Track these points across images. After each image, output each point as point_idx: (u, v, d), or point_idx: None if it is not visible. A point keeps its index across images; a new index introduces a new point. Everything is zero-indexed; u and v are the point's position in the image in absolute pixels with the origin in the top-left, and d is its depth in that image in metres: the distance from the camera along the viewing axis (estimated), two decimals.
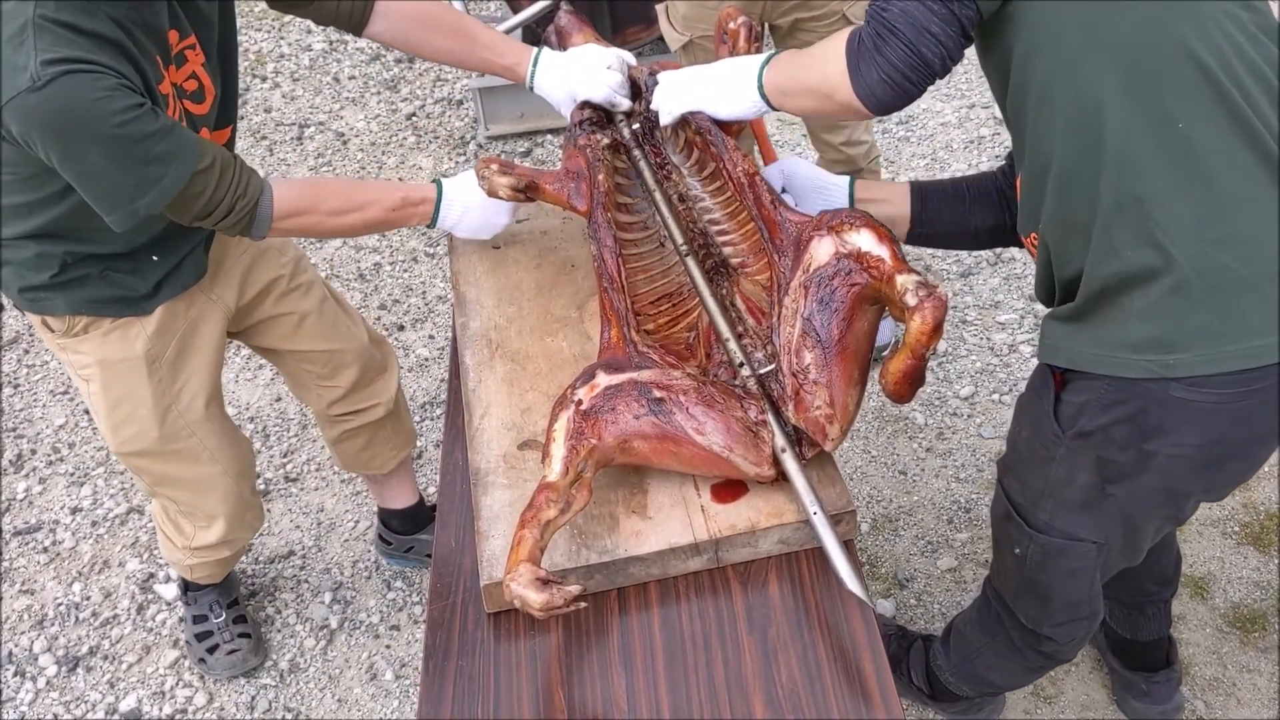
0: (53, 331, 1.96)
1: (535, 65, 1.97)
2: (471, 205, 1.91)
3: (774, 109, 1.69)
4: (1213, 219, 1.37)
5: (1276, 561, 2.51)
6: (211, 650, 2.48)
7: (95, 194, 1.63)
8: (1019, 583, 1.82)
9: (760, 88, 1.68)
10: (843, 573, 1.38)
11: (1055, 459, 1.61)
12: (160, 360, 2.01)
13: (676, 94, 1.80)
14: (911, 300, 1.35)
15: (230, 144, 1.95)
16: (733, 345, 1.56)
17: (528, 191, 1.84)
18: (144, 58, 1.62)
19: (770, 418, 1.48)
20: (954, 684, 2.14)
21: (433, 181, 1.92)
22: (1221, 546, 2.56)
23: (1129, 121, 1.37)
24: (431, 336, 3.28)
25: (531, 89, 2.00)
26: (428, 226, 1.93)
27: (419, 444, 2.92)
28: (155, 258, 1.90)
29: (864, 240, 1.44)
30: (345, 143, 4.10)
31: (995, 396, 2.95)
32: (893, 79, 1.44)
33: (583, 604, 1.39)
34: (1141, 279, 1.40)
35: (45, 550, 2.80)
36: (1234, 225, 1.37)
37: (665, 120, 1.82)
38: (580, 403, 1.49)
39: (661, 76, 1.84)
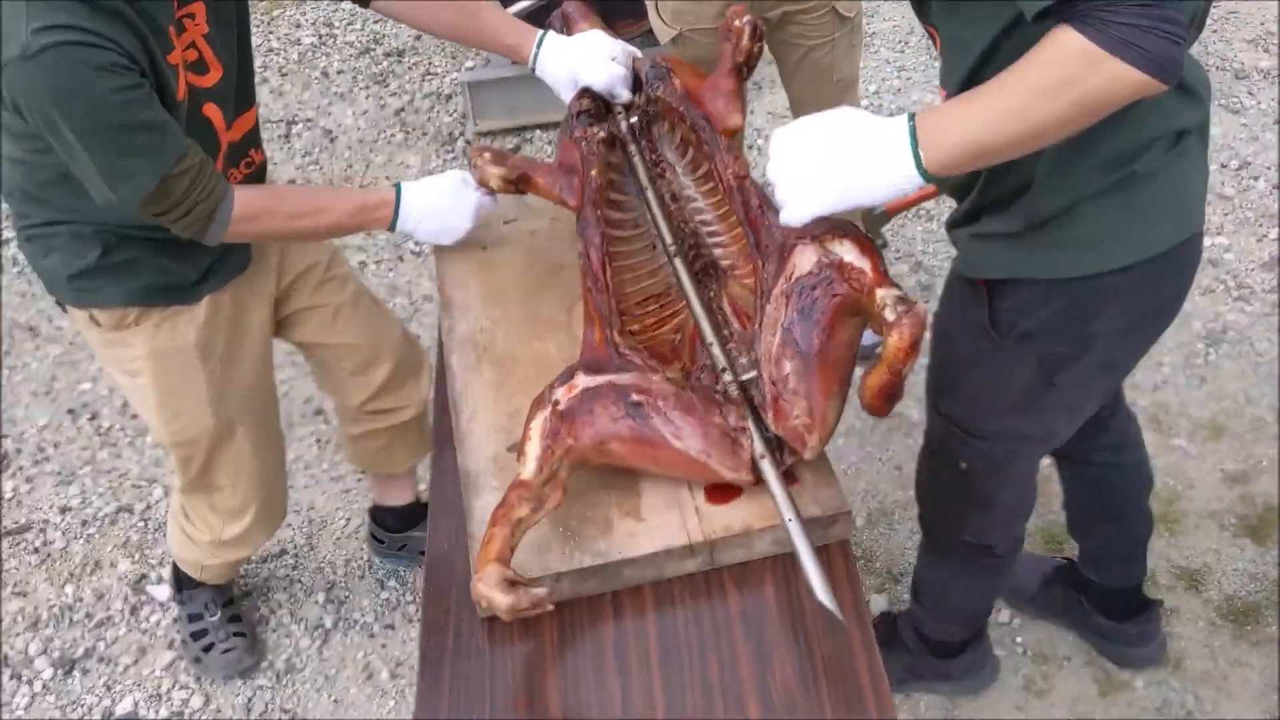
0: (100, 326, 1.96)
1: (539, 47, 1.96)
2: (431, 210, 1.91)
3: (934, 181, 1.33)
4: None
5: (1274, 554, 2.51)
6: (207, 650, 2.48)
7: (77, 172, 1.63)
8: (962, 500, 1.93)
9: (918, 160, 1.30)
10: (814, 583, 1.36)
11: (996, 365, 1.69)
12: (212, 349, 2.02)
13: (802, 189, 1.36)
14: (890, 315, 1.35)
15: (256, 129, 1.94)
16: (716, 350, 1.55)
17: (519, 184, 1.83)
18: (149, 26, 1.59)
19: (750, 424, 1.47)
20: (941, 631, 2.22)
21: (393, 186, 1.92)
22: (1218, 539, 2.56)
23: None
24: (418, 335, 3.26)
25: (533, 70, 1.99)
26: (388, 230, 1.92)
27: None
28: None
29: (846, 251, 1.43)
30: (333, 140, 4.08)
31: None
32: (1181, 35, 1.19)
33: (549, 607, 1.39)
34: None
35: (36, 551, 2.79)
36: None
37: (795, 223, 1.38)
38: (558, 403, 1.48)
39: (774, 158, 1.37)
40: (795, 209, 1.36)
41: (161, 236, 1.83)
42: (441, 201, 1.91)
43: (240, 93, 1.87)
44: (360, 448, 2.46)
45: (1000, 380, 1.71)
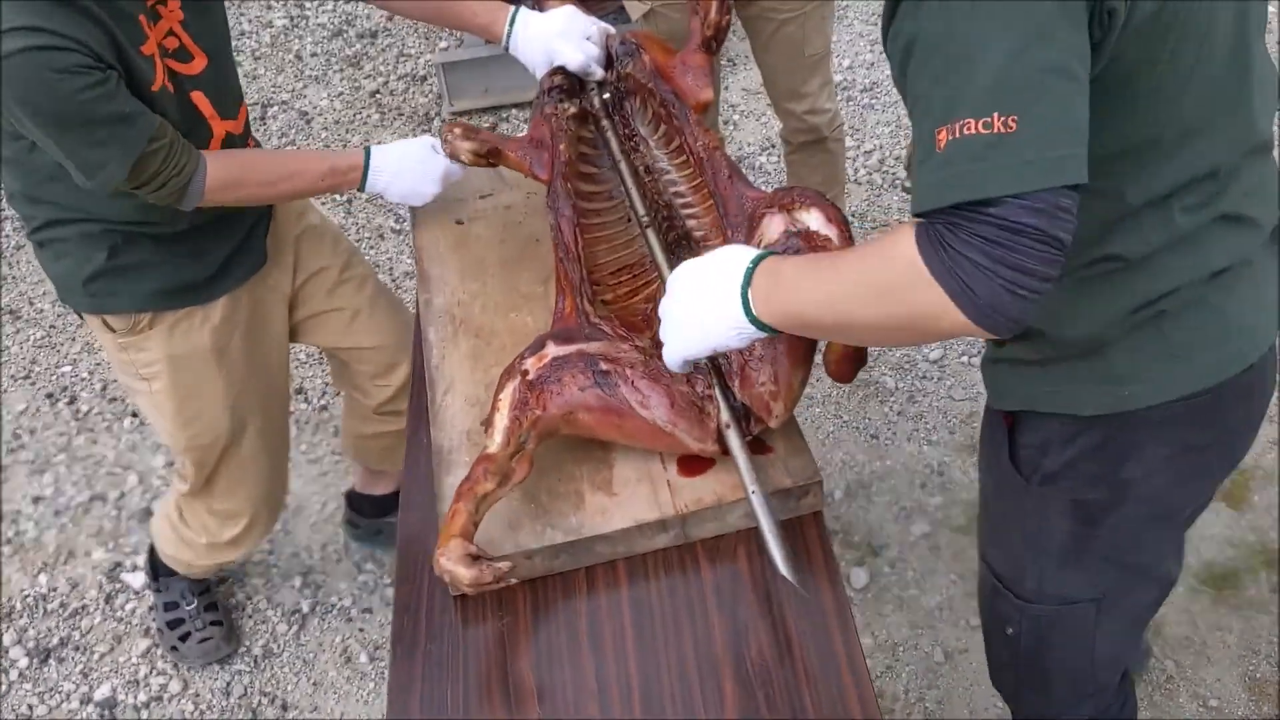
0: (114, 331, 1.95)
1: (512, 25, 1.94)
2: (399, 172, 1.94)
3: (777, 333, 1.29)
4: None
5: (1250, 518, 2.52)
6: (184, 638, 2.46)
7: (60, 162, 1.66)
8: (1016, 673, 1.66)
9: (748, 310, 1.25)
10: (775, 556, 1.34)
11: (1026, 512, 1.47)
12: (228, 352, 2.02)
13: (671, 332, 1.37)
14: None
15: (247, 126, 1.95)
16: None
17: (490, 157, 1.82)
18: (117, 19, 1.61)
19: (717, 392, 1.46)
20: None
21: (364, 148, 1.95)
22: None
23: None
24: None
25: (506, 49, 1.97)
26: (358, 190, 1.95)
27: None
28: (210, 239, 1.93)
29: (813, 219, 1.43)
30: (309, 121, 4.05)
31: (964, 359, 2.95)
32: (1029, 287, 1.03)
33: (512, 580, 1.38)
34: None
35: (9, 541, 2.76)
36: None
37: (671, 366, 1.41)
38: (527, 373, 1.47)
39: (664, 299, 1.39)
40: (667, 351, 1.38)
41: (169, 234, 1.85)
42: (409, 164, 1.94)
43: (232, 83, 1.90)
44: (365, 445, 2.46)
45: (1035, 528, 1.48)
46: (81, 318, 2.01)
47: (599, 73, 1.89)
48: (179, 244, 1.89)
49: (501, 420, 1.44)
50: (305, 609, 2.56)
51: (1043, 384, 1.38)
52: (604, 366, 1.46)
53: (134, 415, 3.04)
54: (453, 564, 1.35)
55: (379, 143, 3.88)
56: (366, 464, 2.54)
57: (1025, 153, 1.00)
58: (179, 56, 1.76)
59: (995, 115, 1.00)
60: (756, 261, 1.26)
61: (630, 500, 1.47)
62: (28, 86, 1.52)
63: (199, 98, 1.80)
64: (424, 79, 4.20)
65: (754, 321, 1.25)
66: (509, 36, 1.94)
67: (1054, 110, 1.02)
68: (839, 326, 1.21)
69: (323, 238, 2.17)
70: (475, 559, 1.35)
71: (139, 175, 1.68)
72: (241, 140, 1.92)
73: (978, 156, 1.01)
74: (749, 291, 1.24)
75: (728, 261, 1.28)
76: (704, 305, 1.29)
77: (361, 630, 2.52)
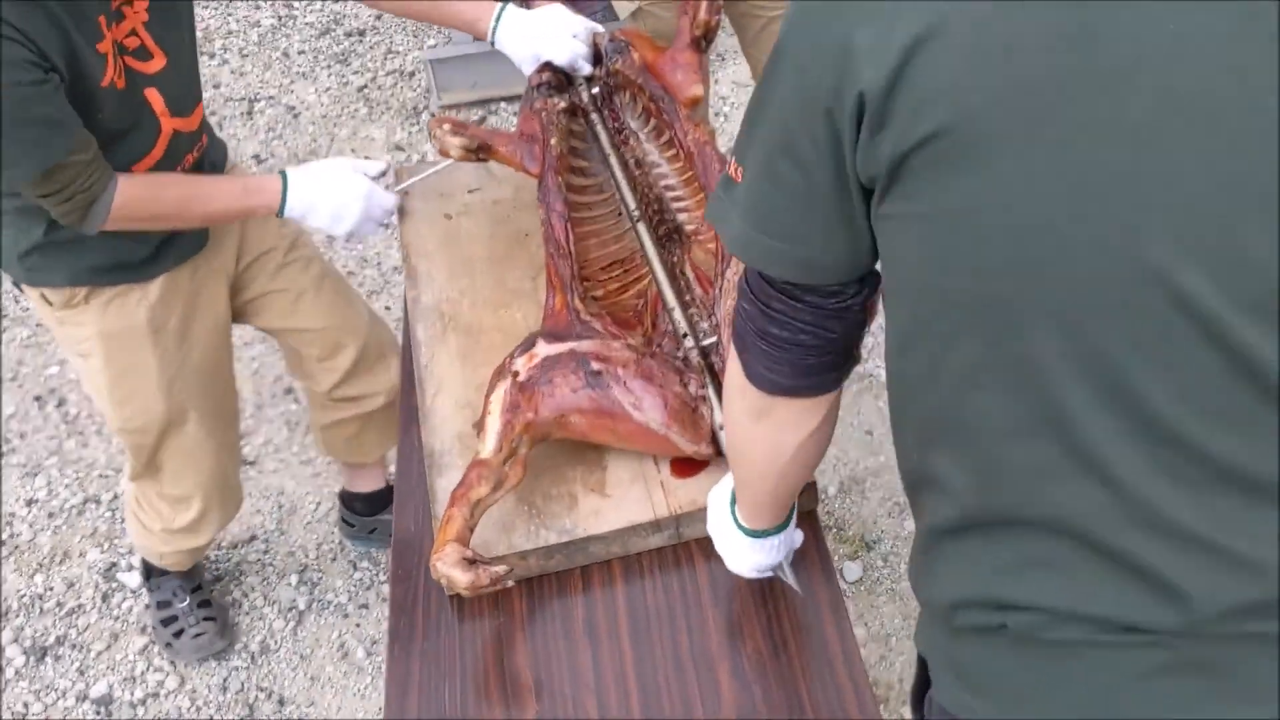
0: (51, 305, 1.93)
1: (498, 21, 1.93)
2: (318, 198, 1.86)
3: (773, 529, 1.31)
4: None
5: None
6: (177, 635, 2.46)
7: None
8: None
9: (738, 524, 1.32)
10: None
11: None
12: (165, 331, 1.98)
13: (725, 555, 1.39)
14: None
15: (203, 125, 1.93)
16: (678, 315, 1.54)
17: (480, 152, 1.82)
18: (76, 20, 1.59)
19: (710, 393, 1.46)
20: None
21: (279, 172, 1.89)
22: None
23: None
24: (388, 308, 3.24)
25: (493, 45, 1.97)
26: (277, 215, 1.89)
27: None
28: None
29: None
30: (296, 116, 4.04)
31: None
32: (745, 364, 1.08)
33: (509, 583, 1.39)
34: None
35: (3, 544, 2.76)
36: None
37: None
38: (518, 374, 1.47)
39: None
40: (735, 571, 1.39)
41: None
42: (329, 185, 1.86)
43: (192, 83, 1.87)
44: (330, 436, 2.44)
45: None
46: (20, 289, 1.97)
47: (586, 69, 1.89)
48: None
49: (493, 424, 1.45)
50: (302, 605, 2.57)
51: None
52: (596, 367, 1.46)
53: None
54: (449, 568, 1.35)
55: (368, 137, 3.90)
56: (337, 457, 2.52)
57: (735, 208, 0.99)
58: (138, 55, 1.74)
59: (733, 161, 0.99)
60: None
61: (624, 501, 1.48)
62: None
63: (153, 94, 1.78)
64: (412, 74, 4.19)
65: (750, 532, 1.30)
66: (494, 32, 1.94)
67: (766, 191, 0.96)
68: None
69: (268, 220, 2.11)
70: (471, 563, 1.36)
71: (48, 184, 1.65)
72: (192, 139, 1.89)
73: (720, 192, 1.01)
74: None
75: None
76: (736, 552, 1.35)
77: (358, 626, 2.53)
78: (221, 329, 2.12)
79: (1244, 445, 0.84)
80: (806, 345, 1.02)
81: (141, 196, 1.77)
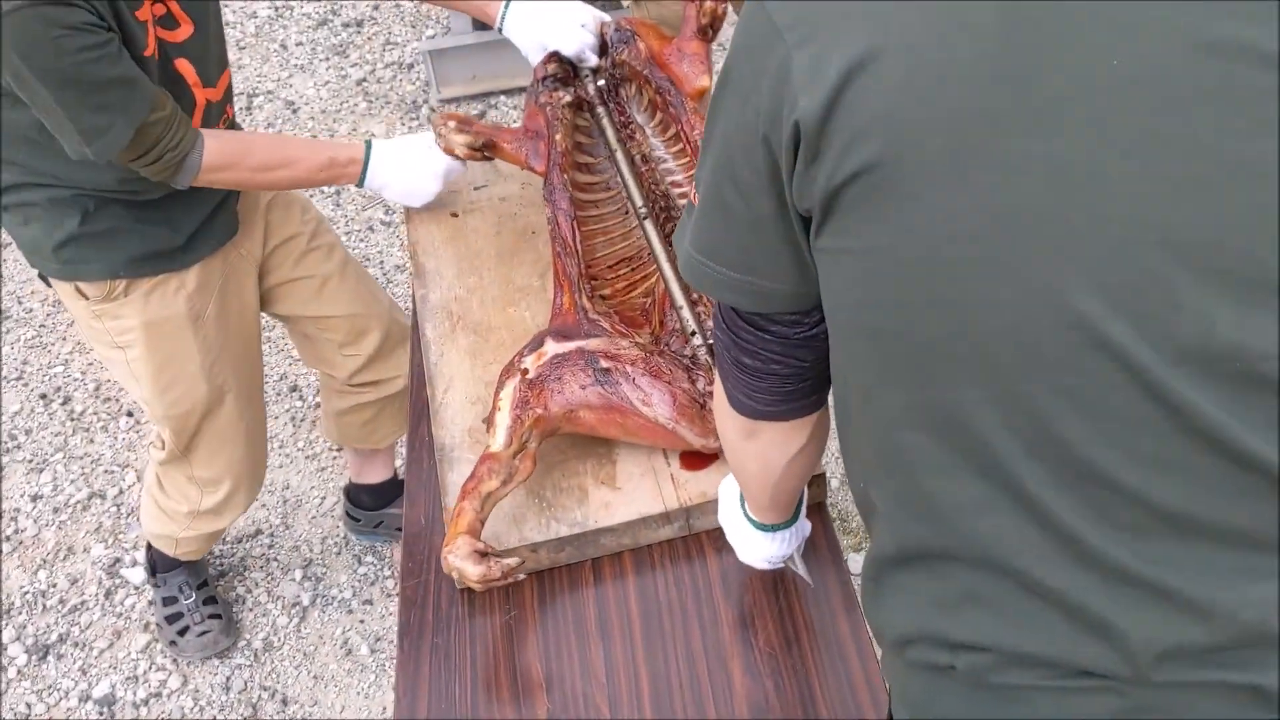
0: (87, 299, 1.92)
1: (507, 7, 1.93)
2: (401, 169, 1.91)
3: (784, 523, 1.33)
4: None
5: None
6: (182, 632, 2.46)
7: (52, 128, 1.63)
8: None
9: (749, 518, 1.33)
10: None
11: None
12: (203, 318, 2.00)
13: (736, 546, 1.41)
14: None
15: (230, 87, 1.93)
16: (686, 313, 1.54)
17: (485, 150, 1.81)
18: None
19: None
20: None
21: (364, 142, 1.92)
22: None
23: None
24: None
25: (501, 31, 1.96)
26: (356, 185, 1.93)
27: None
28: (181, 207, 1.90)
29: None
30: (295, 111, 4.02)
31: None
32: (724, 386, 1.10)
33: (520, 576, 1.39)
34: None
35: (8, 539, 2.76)
36: None
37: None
38: (527, 371, 1.47)
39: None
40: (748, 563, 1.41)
41: (141, 200, 1.82)
42: (410, 162, 1.91)
43: (217, 51, 1.86)
44: (345, 423, 2.43)
45: None
46: (48, 283, 1.97)
47: (593, 59, 1.88)
48: (153, 210, 1.86)
49: (503, 419, 1.44)
50: (306, 601, 2.57)
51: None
52: (604, 364, 1.46)
53: (129, 414, 3.03)
54: (460, 561, 1.35)
55: (368, 132, 3.89)
56: (351, 444, 2.52)
57: (688, 233, 0.98)
58: (165, 23, 1.73)
59: (693, 185, 0.97)
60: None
61: (634, 494, 1.48)
62: (32, 42, 1.49)
63: (183, 65, 1.77)
64: (411, 66, 4.18)
65: (762, 527, 1.31)
66: (503, 19, 1.93)
67: (714, 217, 0.95)
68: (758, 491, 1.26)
69: (291, 205, 2.15)
70: (483, 555, 1.36)
71: (139, 146, 1.66)
72: (220, 107, 1.89)
73: (684, 216, 1.01)
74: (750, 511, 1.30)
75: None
76: (747, 544, 1.36)
77: (362, 622, 2.52)
78: (252, 312, 2.13)
79: (1187, 491, 0.80)
80: (780, 374, 1.01)
81: (228, 155, 1.79)
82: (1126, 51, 0.72)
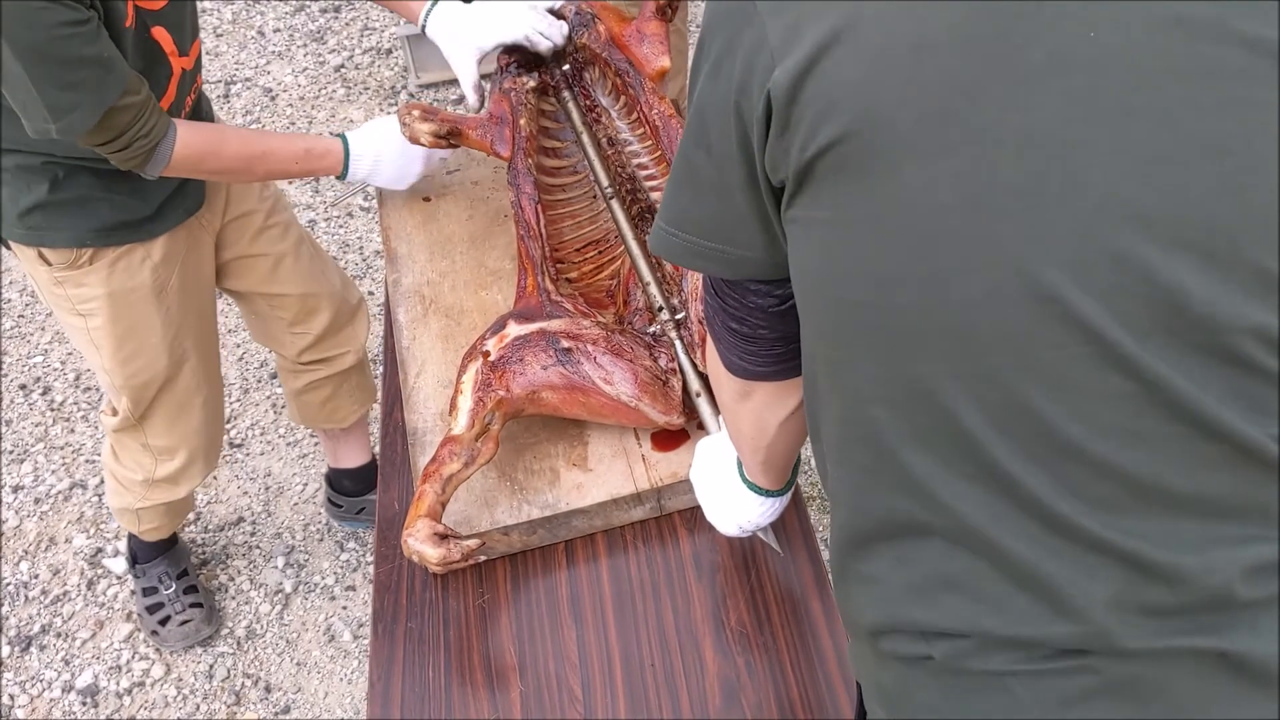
0: (49, 265, 1.90)
1: (433, 5, 1.90)
2: (382, 155, 1.90)
3: (779, 489, 1.34)
4: None
5: None
6: (164, 622, 2.46)
7: (14, 102, 1.60)
8: None
9: (745, 480, 1.33)
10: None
11: None
12: (167, 290, 1.98)
13: (710, 514, 1.41)
14: None
15: (200, 57, 1.91)
16: (654, 289, 1.54)
17: (450, 138, 1.80)
18: None
19: (684, 364, 1.47)
20: None
21: (339, 135, 1.90)
22: None
23: None
24: (371, 293, 3.24)
25: (424, 31, 1.93)
26: (338, 178, 1.91)
27: None
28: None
29: None
30: (273, 98, 4.01)
31: None
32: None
33: (481, 558, 1.39)
34: None
35: None
36: None
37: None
38: (488, 354, 1.47)
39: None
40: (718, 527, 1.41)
41: (111, 169, 1.79)
42: (390, 148, 1.90)
43: (191, 18, 1.84)
44: (304, 403, 2.42)
45: None
46: (8, 247, 1.94)
47: (545, 43, 1.85)
48: (121, 180, 1.83)
49: (465, 402, 1.45)
50: (288, 588, 2.57)
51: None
52: (565, 344, 1.46)
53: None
54: (419, 543, 1.35)
55: (347, 119, 3.88)
56: (316, 425, 2.50)
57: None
58: None
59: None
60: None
61: (606, 475, 1.48)
62: (10, 13, 1.47)
63: (160, 33, 1.75)
64: (389, 52, 4.17)
65: (760, 490, 1.31)
66: (427, 15, 1.90)
67: (686, 185, 0.96)
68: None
69: (249, 184, 2.13)
70: (443, 538, 1.36)
71: (107, 130, 1.63)
72: (193, 76, 1.87)
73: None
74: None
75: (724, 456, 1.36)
76: (711, 492, 1.37)
77: (345, 608, 2.53)
78: (210, 282, 2.12)
79: (1157, 462, 0.80)
80: (768, 338, 1.02)
81: (201, 145, 1.77)
82: (1105, 23, 0.72)
